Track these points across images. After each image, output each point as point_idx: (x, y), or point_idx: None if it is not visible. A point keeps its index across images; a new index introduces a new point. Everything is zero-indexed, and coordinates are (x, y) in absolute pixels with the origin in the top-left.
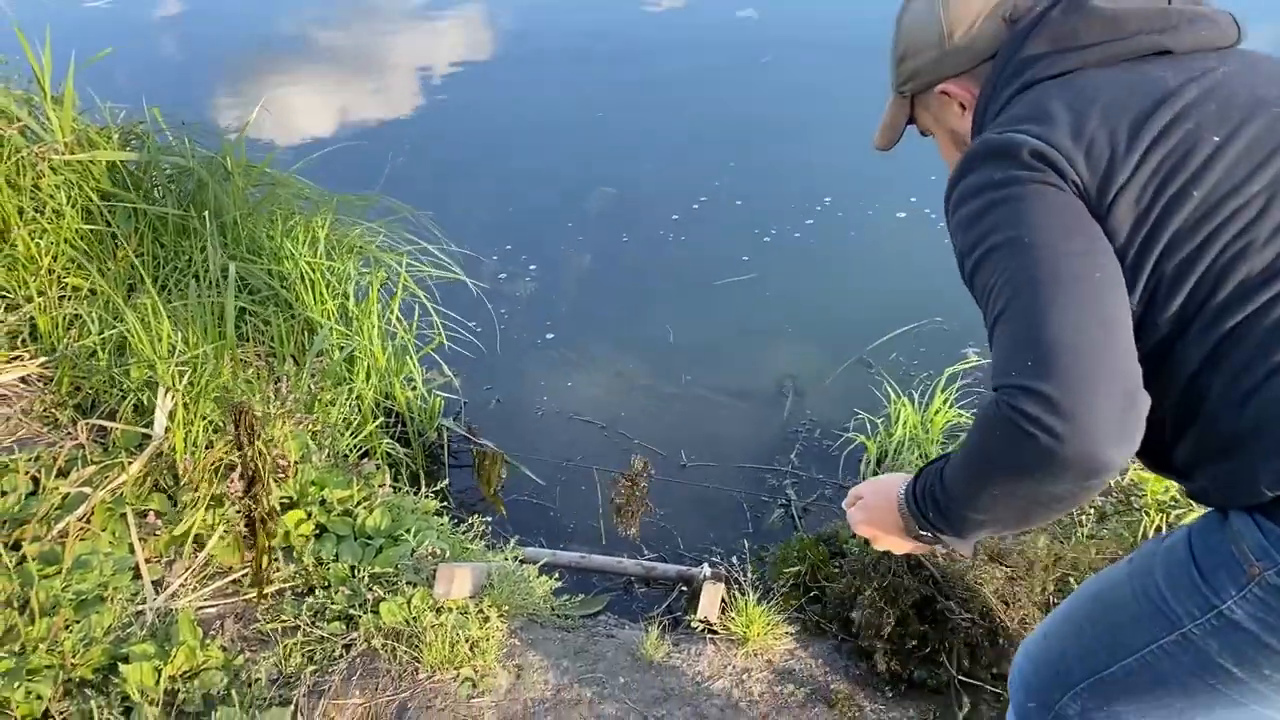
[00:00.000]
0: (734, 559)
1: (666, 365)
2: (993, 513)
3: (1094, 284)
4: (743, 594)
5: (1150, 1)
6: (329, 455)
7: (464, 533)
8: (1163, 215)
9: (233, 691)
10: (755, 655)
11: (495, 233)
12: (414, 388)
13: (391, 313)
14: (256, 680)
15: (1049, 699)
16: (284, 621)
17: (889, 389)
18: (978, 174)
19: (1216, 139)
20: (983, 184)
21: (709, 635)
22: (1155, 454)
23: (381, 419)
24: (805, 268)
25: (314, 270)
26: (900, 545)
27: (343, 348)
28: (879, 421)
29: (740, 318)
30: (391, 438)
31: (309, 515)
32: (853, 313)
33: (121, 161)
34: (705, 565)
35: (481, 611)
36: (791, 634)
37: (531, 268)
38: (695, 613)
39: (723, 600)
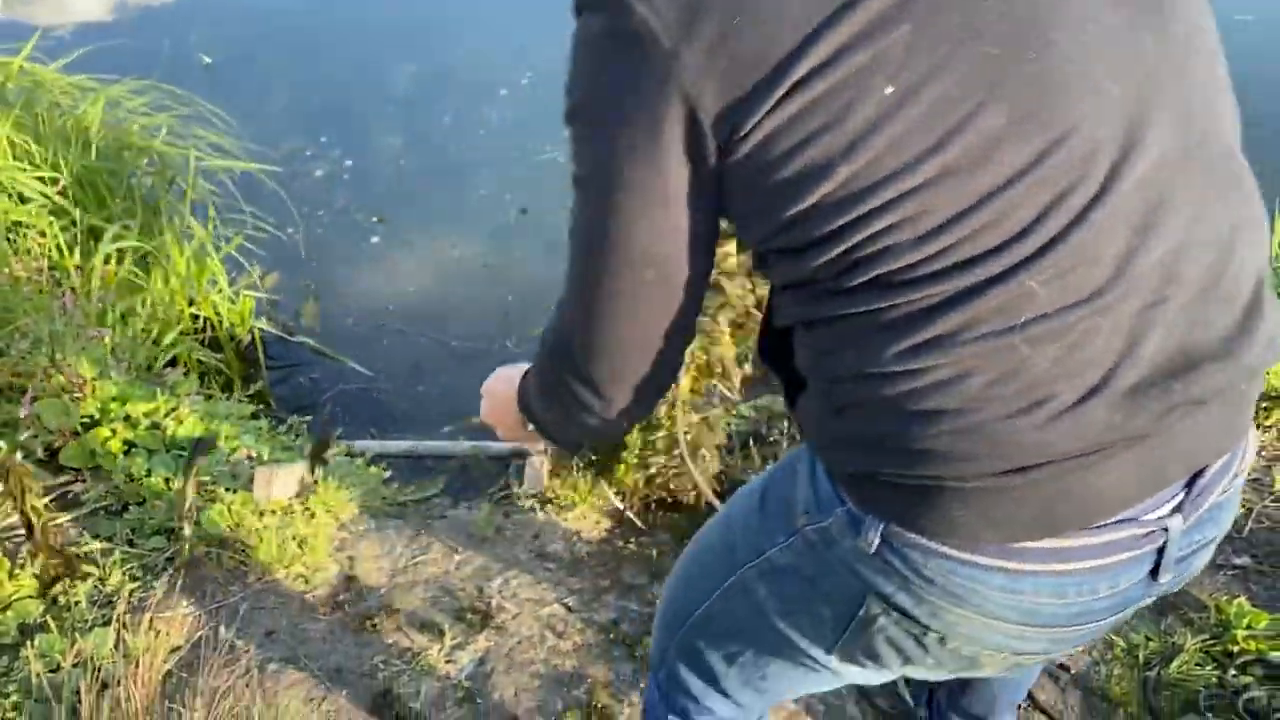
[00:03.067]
0: None
1: (491, 244)
2: (552, 427)
3: (658, 307)
4: (570, 464)
5: None
6: (130, 368)
7: (285, 433)
8: (799, 181)
9: (49, 618)
10: (584, 517)
11: (306, 123)
12: (218, 290)
13: (184, 212)
14: (76, 604)
15: (660, 646)
16: (101, 543)
17: None
18: (584, 28)
19: (890, 90)
20: (585, 70)
21: (539, 506)
22: (768, 350)
23: (187, 325)
24: None
25: (95, 171)
26: (516, 432)
27: (135, 253)
28: None
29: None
30: (201, 344)
31: (114, 433)
32: None
33: None
34: None
35: (308, 509)
36: (618, 493)
37: (348, 163)
38: (524, 485)
39: (551, 470)
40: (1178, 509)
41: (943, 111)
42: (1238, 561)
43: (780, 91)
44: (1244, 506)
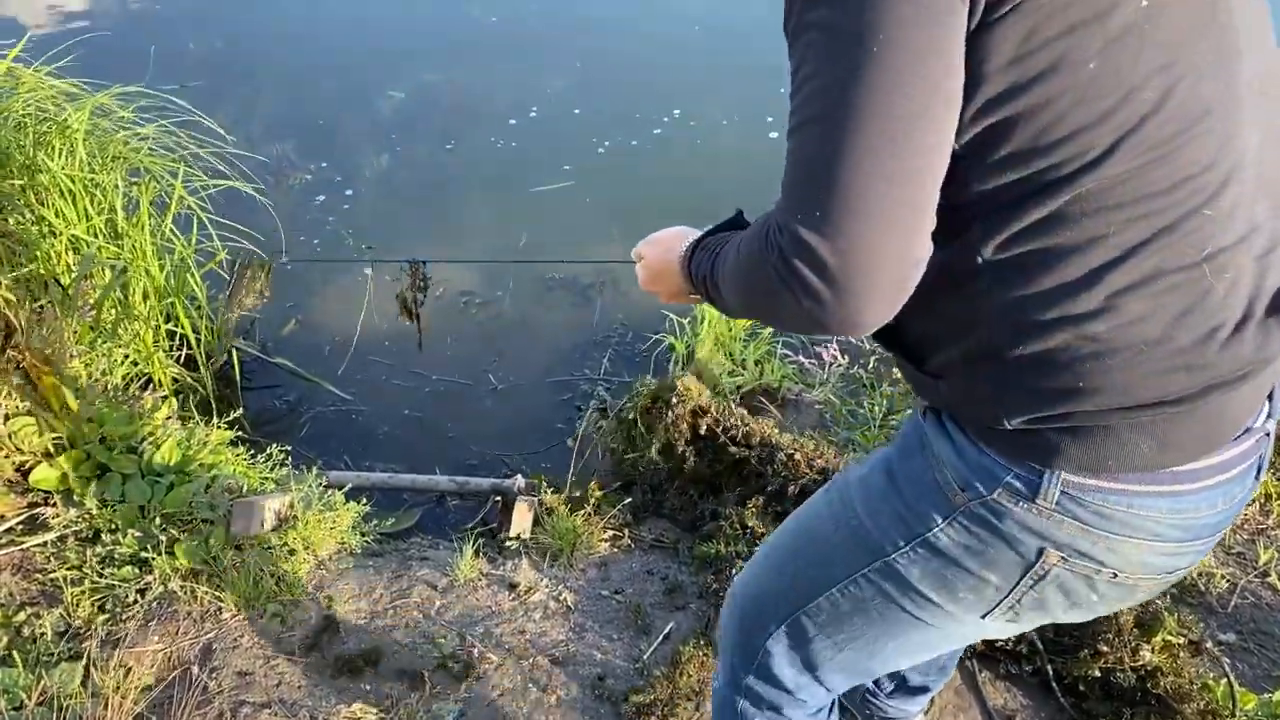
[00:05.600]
0: (545, 466)
1: (476, 276)
2: (753, 314)
3: (916, 125)
4: (557, 505)
5: None
6: (106, 388)
7: (264, 462)
8: (1046, 71)
9: (14, 651)
10: (571, 565)
11: (304, 145)
12: (198, 307)
13: (164, 227)
14: (41, 635)
15: (753, 646)
16: (69, 570)
17: None
18: None
19: (1144, 3)
20: None
21: (524, 549)
22: (902, 330)
23: (164, 342)
24: (630, 177)
25: (74, 182)
26: (679, 299)
27: (114, 267)
28: (685, 322)
29: (554, 226)
30: (178, 362)
31: (88, 456)
32: (666, 219)
33: None
34: (519, 477)
35: (286, 545)
36: (605, 540)
37: (343, 186)
38: (509, 529)
39: (535, 513)
40: (1269, 415)
41: (1178, 38)
42: (1223, 638)
43: None
44: (1227, 581)
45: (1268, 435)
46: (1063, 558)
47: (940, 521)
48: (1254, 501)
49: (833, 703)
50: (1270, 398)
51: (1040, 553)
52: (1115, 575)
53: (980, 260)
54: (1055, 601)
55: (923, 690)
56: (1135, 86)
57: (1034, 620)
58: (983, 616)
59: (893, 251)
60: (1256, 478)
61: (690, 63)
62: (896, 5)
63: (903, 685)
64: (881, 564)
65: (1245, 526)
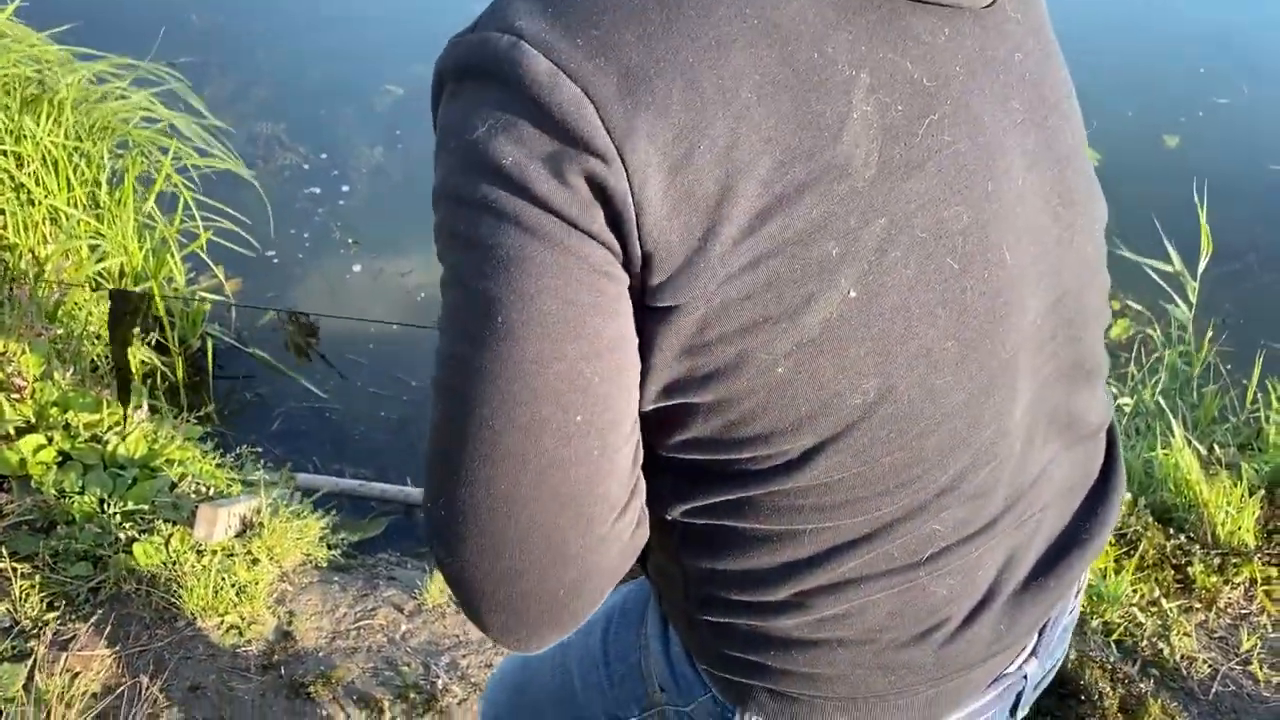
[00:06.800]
0: None
1: None
2: None
3: (573, 477)
4: None
5: None
6: (75, 370)
7: (232, 463)
8: (724, 370)
9: None
10: None
11: (300, 135)
12: (174, 289)
13: (148, 204)
14: None
15: None
16: (19, 563)
17: None
18: (459, 110)
19: (852, 294)
20: (467, 163)
21: None
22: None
23: (136, 326)
24: None
25: (56, 149)
26: None
27: (91, 244)
28: None
29: None
30: (149, 345)
31: (50, 440)
32: None
33: None
34: None
35: (250, 553)
36: None
37: (334, 171)
38: None
39: None
40: (1033, 653)
41: (898, 331)
42: None
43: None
44: (1209, 667)
45: (1025, 678)
46: None
47: (637, 712)
48: (1237, 586)
49: None
50: (1040, 634)
51: None
52: None
53: (669, 519)
54: None
55: None
56: (839, 392)
57: None
58: None
59: (544, 618)
60: (1012, 714)
61: None
62: (519, 275)
63: None
64: None
65: (1229, 610)
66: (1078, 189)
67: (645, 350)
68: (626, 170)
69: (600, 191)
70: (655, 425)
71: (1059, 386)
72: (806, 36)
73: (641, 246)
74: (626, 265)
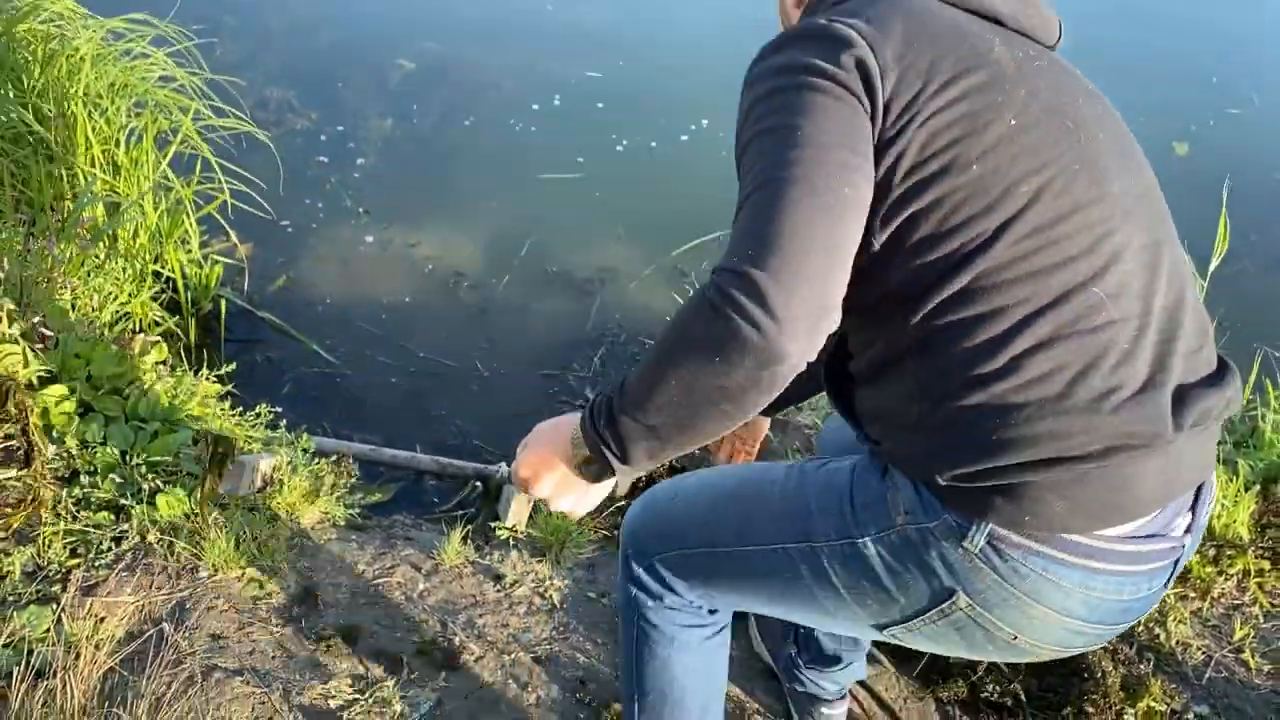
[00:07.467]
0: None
1: (477, 255)
2: (662, 412)
3: (838, 201)
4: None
5: None
6: (92, 325)
7: (251, 421)
8: (939, 173)
9: None
10: (559, 563)
11: (321, 104)
12: (188, 250)
13: (163, 163)
14: (9, 574)
15: (649, 549)
16: (43, 509)
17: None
18: (787, 54)
19: (1013, 122)
20: (786, 65)
21: (512, 542)
22: (846, 399)
23: (150, 284)
24: (643, 179)
25: (79, 105)
26: (559, 489)
27: (109, 201)
28: None
29: (558, 215)
30: (161, 305)
31: (73, 391)
32: (668, 224)
33: None
34: (504, 465)
35: (270, 508)
36: (594, 540)
37: (356, 154)
38: (501, 519)
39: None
40: (1188, 530)
41: (1045, 148)
42: (1197, 710)
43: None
44: (1202, 654)
45: (1184, 548)
46: (971, 604)
47: (874, 533)
48: (1230, 577)
49: (722, 626)
50: (1194, 508)
51: (951, 594)
52: (1014, 638)
53: (907, 338)
54: (950, 639)
55: (835, 660)
56: (1013, 183)
57: (923, 645)
58: (878, 627)
59: (812, 284)
60: (1166, 585)
61: (731, 78)
62: (815, 111)
63: (818, 655)
64: (807, 547)
65: (1222, 600)
66: (1135, 152)
67: (891, 170)
68: (876, 59)
69: (862, 68)
70: (893, 242)
71: (1160, 250)
72: (960, 19)
73: (884, 98)
74: (872, 114)
